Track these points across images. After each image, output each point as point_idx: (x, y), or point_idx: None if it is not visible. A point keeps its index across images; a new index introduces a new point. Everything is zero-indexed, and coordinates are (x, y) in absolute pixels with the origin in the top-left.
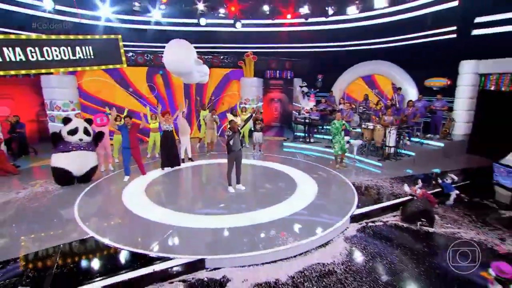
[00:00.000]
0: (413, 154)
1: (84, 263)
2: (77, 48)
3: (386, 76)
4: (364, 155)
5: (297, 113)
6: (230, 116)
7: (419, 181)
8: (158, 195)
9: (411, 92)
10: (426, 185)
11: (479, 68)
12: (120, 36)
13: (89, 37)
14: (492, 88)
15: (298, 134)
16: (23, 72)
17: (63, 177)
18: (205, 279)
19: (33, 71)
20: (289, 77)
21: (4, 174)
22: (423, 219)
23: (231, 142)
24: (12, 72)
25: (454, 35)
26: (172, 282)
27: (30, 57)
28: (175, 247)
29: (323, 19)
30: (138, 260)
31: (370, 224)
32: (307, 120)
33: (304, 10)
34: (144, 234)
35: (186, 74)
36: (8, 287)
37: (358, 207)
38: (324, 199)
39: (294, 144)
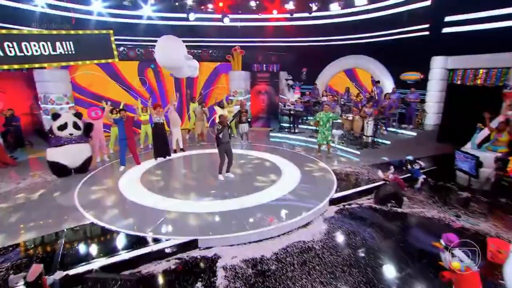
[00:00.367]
0: (389, 142)
1: (87, 244)
2: (58, 44)
3: (366, 70)
4: (344, 144)
5: (283, 105)
6: (218, 109)
7: (391, 167)
8: (153, 183)
9: (388, 85)
10: (398, 171)
11: (448, 64)
12: (111, 31)
13: (80, 32)
14: (459, 82)
15: (284, 124)
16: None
17: (59, 169)
18: (198, 257)
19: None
20: (275, 70)
21: (3, 166)
22: (393, 201)
23: (220, 135)
24: (5, 67)
25: (427, 33)
26: (168, 260)
27: (8, 52)
28: (170, 229)
29: (307, 14)
30: (136, 241)
31: (347, 206)
32: (292, 112)
33: (289, 6)
34: (141, 219)
35: (176, 69)
36: (22, 265)
37: (336, 191)
38: (306, 185)
39: (280, 134)
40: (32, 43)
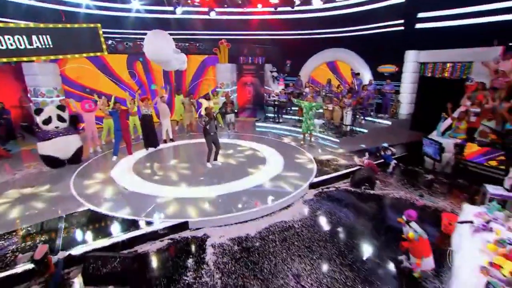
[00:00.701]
0: (366, 131)
1: (86, 228)
2: (34, 38)
3: (347, 62)
4: (325, 133)
5: (267, 96)
6: (204, 102)
7: (366, 153)
8: (145, 172)
9: (367, 77)
10: (372, 157)
11: (420, 57)
12: (99, 25)
13: (68, 25)
14: (429, 75)
15: (269, 115)
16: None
17: (52, 162)
18: (189, 237)
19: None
20: (260, 63)
21: None
22: (366, 184)
23: (207, 127)
24: None
25: (402, 28)
26: (162, 241)
27: None
28: (162, 213)
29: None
30: (131, 224)
31: (325, 189)
32: (276, 102)
33: (273, 0)
34: (135, 204)
35: (165, 62)
36: (26, 248)
37: (316, 176)
38: (288, 171)
39: (265, 124)
40: (16, 37)
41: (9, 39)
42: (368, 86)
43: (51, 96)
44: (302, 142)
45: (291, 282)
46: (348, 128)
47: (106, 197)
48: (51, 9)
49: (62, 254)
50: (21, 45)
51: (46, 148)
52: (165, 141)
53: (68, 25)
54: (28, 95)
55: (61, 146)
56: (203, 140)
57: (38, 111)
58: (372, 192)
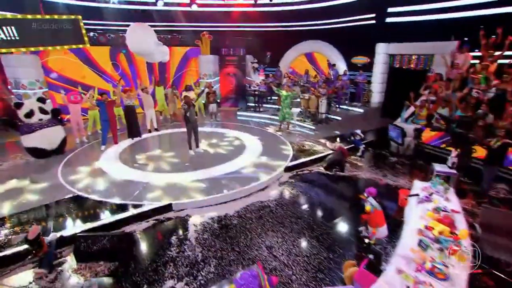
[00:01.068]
0: (340, 118)
1: (76, 212)
2: (12, 29)
3: (323, 53)
4: (301, 120)
5: (248, 86)
6: (184, 93)
7: (338, 139)
8: (131, 160)
9: (342, 67)
10: (343, 142)
11: (389, 49)
12: (80, 17)
13: (47, 17)
14: (397, 66)
15: (250, 104)
16: None
17: (38, 153)
18: (173, 217)
19: None
20: (241, 54)
21: None
22: (337, 167)
23: (187, 114)
24: None
25: (374, 21)
26: (148, 221)
27: None
28: (148, 196)
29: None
30: (118, 208)
31: (299, 172)
32: (256, 92)
33: None
34: (122, 189)
35: (147, 55)
36: (19, 230)
37: (291, 160)
38: (266, 156)
39: (247, 113)
40: None
41: None
42: (343, 76)
43: (33, 88)
44: (279, 129)
45: (264, 252)
46: (324, 116)
47: (94, 183)
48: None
49: (54, 236)
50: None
51: (30, 140)
52: (149, 131)
53: (48, 16)
54: (9, 87)
55: (47, 137)
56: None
57: (18, 105)
58: (342, 174)
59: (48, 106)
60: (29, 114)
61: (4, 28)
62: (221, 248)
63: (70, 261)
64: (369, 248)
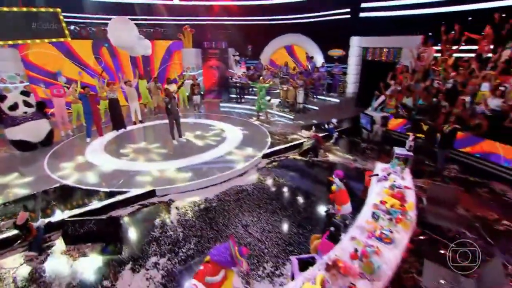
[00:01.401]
0: (317, 108)
1: (63, 200)
2: None
3: (302, 46)
4: (280, 110)
5: (230, 78)
6: (166, 86)
7: (313, 127)
8: (116, 151)
9: (319, 60)
10: (318, 130)
11: (362, 43)
12: (59, 10)
13: (24, 9)
14: (370, 58)
15: (232, 96)
16: None
17: (24, 146)
18: (156, 202)
19: None
20: (223, 47)
21: None
22: (312, 153)
23: (169, 106)
24: None
25: (348, 16)
26: (133, 206)
27: None
28: (134, 183)
29: None
30: (104, 195)
31: (276, 159)
32: (238, 84)
33: None
34: (109, 178)
35: (129, 48)
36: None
37: (269, 148)
38: (245, 144)
39: (229, 104)
40: None
41: None
42: (320, 68)
43: (14, 82)
44: (258, 119)
45: (240, 230)
46: (301, 105)
47: (80, 173)
48: None
49: (42, 222)
50: None
51: (15, 133)
52: (134, 123)
53: (25, 9)
54: None
55: (31, 131)
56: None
57: (1, 97)
58: (316, 159)
59: (32, 99)
60: (13, 107)
61: None
62: (201, 227)
63: (59, 244)
64: (331, 222)
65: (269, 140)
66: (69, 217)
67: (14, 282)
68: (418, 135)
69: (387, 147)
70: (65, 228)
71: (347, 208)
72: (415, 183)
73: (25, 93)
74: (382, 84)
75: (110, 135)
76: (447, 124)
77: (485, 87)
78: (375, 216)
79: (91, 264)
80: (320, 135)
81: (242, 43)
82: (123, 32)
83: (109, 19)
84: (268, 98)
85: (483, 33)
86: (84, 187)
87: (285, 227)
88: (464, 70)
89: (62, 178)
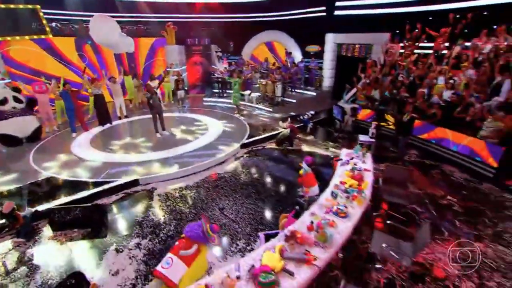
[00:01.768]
0: (294, 101)
1: (49, 191)
2: None
3: (281, 43)
4: (260, 104)
5: (213, 74)
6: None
7: (289, 118)
8: (102, 145)
9: (297, 55)
10: (294, 121)
11: (337, 39)
12: (38, 6)
13: (2, 6)
14: (344, 54)
15: (215, 91)
16: None
17: (10, 141)
18: (140, 190)
19: None
20: (206, 44)
21: None
22: (287, 142)
23: (151, 101)
24: None
25: (324, 14)
26: (117, 195)
27: None
28: (118, 174)
29: None
30: (90, 185)
31: (254, 148)
32: (220, 79)
33: None
34: (95, 169)
35: (112, 46)
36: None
37: (247, 138)
38: (225, 135)
39: (212, 99)
40: None
41: None
42: (299, 63)
43: None
44: (237, 112)
45: (217, 213)
46: (280, 99)
47: (66, 165)
48: None
49: (29, 210)
50: None
51: (2, 127)
52: (119, 118)
53: (3, 6)
54: None
55: (19, 125)
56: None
57: None
58: (290, 148)
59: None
60: (2, 102)
61: None
62: (180, 211)
63: (46, 231)
64: (295, 201)
65: (247, 131)
66: (56, 205)
67: (3, 266)
68: (381, 124)
69: (356, 135)
70: (52, 215)
71: (314, 190)
72: (378, 166)
73: (16, 89)
74: (354, 78)
75: (96, 130)
76: (406, 113)
77: (441, 80)
78: (333, 195)
79: (77, 247)
80: (296, 125)
81: (224, 40)
82: (104, 30)
83: (91, 16)
84: (248, 92)
85: (439, 32)
86: (69, 179)
87: (258, 209)
88: (422, 65)
89: (48, 170)
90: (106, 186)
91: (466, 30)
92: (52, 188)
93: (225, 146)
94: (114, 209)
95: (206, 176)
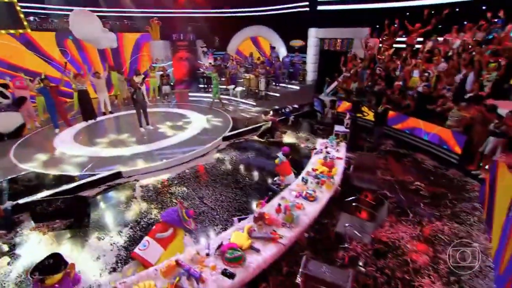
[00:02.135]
0: (278, 95)
1: (31, 185)
2: None
3: (266, 37)
4: (245, 97)
5: (198, 69)
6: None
7: (271, 111)
8: (85, 140)
9: (282, 50)
10: (276, 113)
11: (319, 34)
12: (15, 0)
13: None
14: (326, 48)
15: (200, 86)
16: None
17: None
18: (122, 182)
19: None
20: (192, 39)
21: None
22: (268, 134)
23: (134, 96)
24: None
25: (307, 9)
26: (100, 187)
27: None
28: (102, 167)
29: None
30: (72, 178)
31: (236, 141)
32: (205, 75)
33: None
34: (78, 163)
35: (94, 41)
36: None
37: (230, 131)
38: (208, 128)
39: (198, 93)
40: None
41: None
42: (285, 58)
43: None
44: (222, 106)
45: (197, 201)
46: (263, 93)
47: (48, 160)
48: None
49: (9, 203)
50: None
51: None
52: (104, 113)
53: None
54: None
55: (2, 121)
56: None
57: None
58: (272, 140)
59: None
60: None
61: None
62: (162, 201)
63: (28, 223)
64: (268, 187)
65: (230, 123)
66: (37, 198)
67: None
68: (358, 115)
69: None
70: (33, 206)
71: (290, 178)
72: (353, 155)
73: (3, 85)
74: (336, 72)
75: (80, 125)
76: (380, 105)
77: (416, 73)
78: (304, 180)
79: (60, 237)
80: (277, 118)
81: (209, 35)
82: (85, 25)
83: (71, 10)
84: (232, 86)
85: (414, 27)
86: (52, 173)
87: (236, 197)
88: (397, 59)
89: (29, 165)
90: (89, 179)
91: (440, 26)
92: (33, 182)
93: (207, 139)
94: (97, 200)
95: (189, 168)
